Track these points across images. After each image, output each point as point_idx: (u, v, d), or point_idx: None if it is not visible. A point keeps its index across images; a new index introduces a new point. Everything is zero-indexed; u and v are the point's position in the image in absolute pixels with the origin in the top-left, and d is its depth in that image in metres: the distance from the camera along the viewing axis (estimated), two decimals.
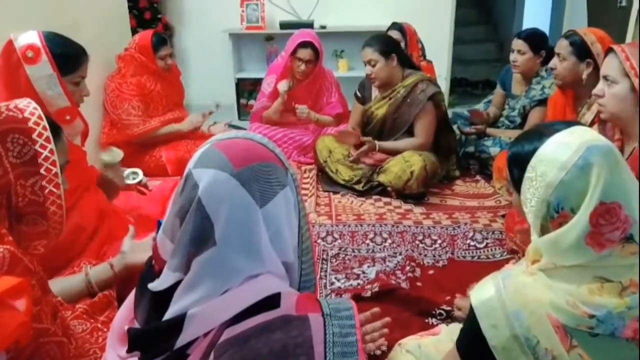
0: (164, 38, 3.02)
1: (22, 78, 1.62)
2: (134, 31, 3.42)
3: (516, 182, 1.04)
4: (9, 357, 0.89)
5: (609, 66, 1.59)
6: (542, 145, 0.96)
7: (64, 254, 1.51)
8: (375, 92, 3.01)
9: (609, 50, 1.64)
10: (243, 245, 0.83)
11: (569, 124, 1.00)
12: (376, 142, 2.82)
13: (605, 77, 1.62)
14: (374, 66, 2.80)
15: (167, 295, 0.85)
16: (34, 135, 1.03)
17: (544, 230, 0.97)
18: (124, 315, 0.94)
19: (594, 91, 1.67)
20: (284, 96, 3.33)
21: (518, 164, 1.01)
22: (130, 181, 1.90)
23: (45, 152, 1.04)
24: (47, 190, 1.04)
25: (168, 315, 0.82)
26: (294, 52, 3.25)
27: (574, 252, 0.90)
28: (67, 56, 1.71)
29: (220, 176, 0.84)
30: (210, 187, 0.83)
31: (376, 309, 1.37)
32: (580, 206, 0.89)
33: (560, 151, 0.93)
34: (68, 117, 1.71)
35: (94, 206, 1.71)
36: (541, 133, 0.99)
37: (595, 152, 0.90)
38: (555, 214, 0.93)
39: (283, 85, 3.31)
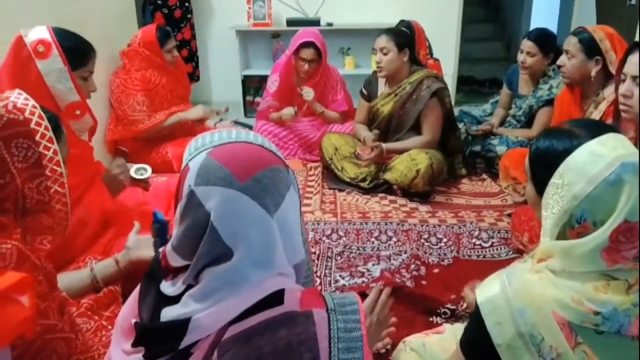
0: (168, 31, 3.02)
1: (32, 73, 1.64)
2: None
3: (537, 179, 1.02)
4: (15, 353, 0.89)
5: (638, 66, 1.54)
6: (573, 150, 0.93)
7: (66, 249, 1.51)
8: (381, 89, 3.00)
9: (633, 48, 1.60)
10: (259, 259, 0.81)
11: (599, 126, 0.98)
12: (383, 144, 2.80)
13: (635, 78, 1.57)
14: (385, 55, 2.79)
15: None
16: (37, 137, 1.02)
17: (559, 236, 0.95)
18: (129, 311, 0.94)
19: (622, 91, 1.61)
20: (288, 120, 3.35)
21: (543, 163, 0.99)
22: (138, 176, 1.90)
23: (49, 154, 1.03)
24: (52, 190, 1.04)
25: (174, 316, 0.82)
26: (296, 52, 3.24)
27: (585, 261, 0.89)
28: (77, 51, 1.72)
29: (228, 195, 0.80)
30: (221, 209, 0.80)
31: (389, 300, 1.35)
32: (603, 221, 0.88)
33: (591, 163, 0.89)
34: (78, 112, 1.73)
35: (98, 202, 1.71)
36: (571, 133, 0.96)
37: (630, 169, 0.87)
38: (577, 224, 0.91)
39: (287, 114, 3.31)
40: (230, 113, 3.43)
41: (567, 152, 0.93)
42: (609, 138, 0.92)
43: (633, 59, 1.59)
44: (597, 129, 0.96)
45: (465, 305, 1.68)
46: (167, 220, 1.44)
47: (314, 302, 0.83)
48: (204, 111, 3.08)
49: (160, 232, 1.38)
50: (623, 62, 1.64)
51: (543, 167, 0.98)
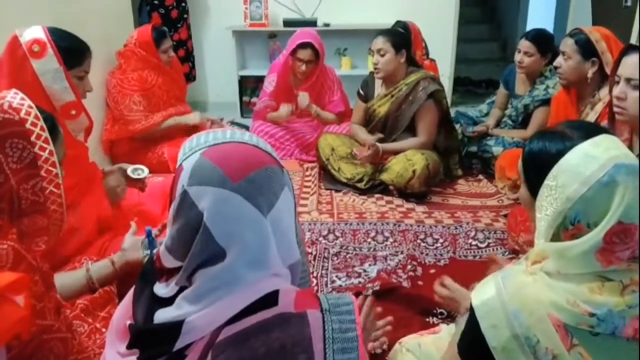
0: (163, 31, 3.02)
1: (28, 73, 1.63)
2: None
3: (530, 182, 1.02)
4: (10, 355, 0.89)
5: (633, 68, 1.55)
6: (566, 152, 0.93)
7: (53, 254, 1.49)
8: (377, 90, 3.00)
9: (627, 50, 1.61)
10: (253, 259, 0.81)
11: (592, 128, 0.98)
12: (379, 144, 2.81)
13: (628, 80, 1.58)
14: (382, 56, 2.79)
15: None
16: (33, 138, 1.01)
17: (553, 237, 0.95)
18: (123, 313, 0.93)
19: (615, 93, 1.62)
20: (285, 118, 3.34)
21: (536, 165, 0.99)
22: (135, 176, 1.89)
23: (45, 154, 1.03)
24: (47, 191, 1.04)
25: (168, 318, 0.82)
26: (294, 53, 3.24)
27: (580, 262, 0.89)
28: (72, 50, 1.72)
29: (221, 195, 0.80)
30: (214, 209, 0.79)
31: (378, 309, 1.37)
32: (597, 222, 0.88)
33: (585, 164, 0.89)
34: (73, 112, 1.72)
35: (94, 210, 1.70)
36: (564, 135, 0.96)
37: (623, 170, 0.87)
38: (570, 226, 0.91)
39: (285, 111, 3.32)
40: (225, 112, 3.44)
41: (561, 153, 0.93)
42: (602, 139, 0.93)
43: (627, 61, 1.59)
44: (590, 130, 0.96)
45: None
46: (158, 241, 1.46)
47: (308, 303, 0.83)
48: (200, 118, 3.12)
49: (152, 250, 1.41)
50: (617, 64, 1.65)
51: (536, 169, 0.98)
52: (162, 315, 0.83)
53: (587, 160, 0.90)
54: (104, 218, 1.74)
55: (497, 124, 3.20)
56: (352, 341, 0.80)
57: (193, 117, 3.10)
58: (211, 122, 3.21)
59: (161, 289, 0.86)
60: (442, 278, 1.51)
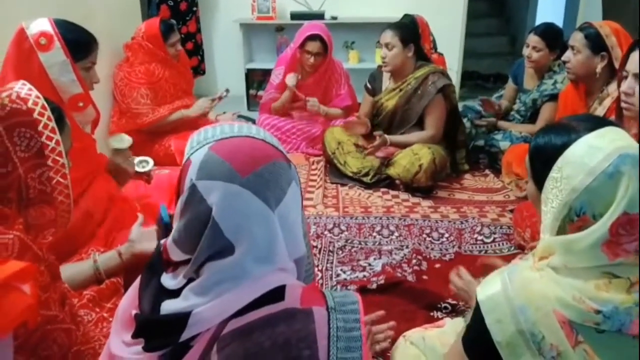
0: (171, 25, 3.01)
1: (35, 65, 1.63)
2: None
3: (536, 176, 1.02)
4: (16, 343, 0.90)
5: None
6: (571, 144, 0.92)
7: (73, 240, 1.52)
8: (385, 84, 2.99)
9: (635, 45, 1.59)
10: (261, 254, 0.82)
11: (598, 121, 0.97)
12: (387, 136, 2.81)
13: (636, 75, 1.57)
14: (390, 50, 2.78)
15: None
16: (40, 127, 1.02)
17: (559, 231, 0.95)
18: (129, 303, 0.94)
19: (623, 89, 1.61)
20: (292, 90, 3.32)
21: (542, 158, 0.98)
22: (140, 169, 1.90)
23: (52, 144, 1.04)
24: (54, 181, 1.04)
25: (174, 309, 0.82)
26: (302, 45, 3.24)
27: (586, 255, 0.89)
28: (79, 42, 1.72)
29: (231, 189, 0.80)
30: (223, 204, 0.80)
31: (381, 312, 1.37)
32: (602, 214, 0.87)
33: (590, 155, 0.89)
34: (81, 104, 1.73)
35: (104, 193, 1.72)
36: (569, 128, 0.96)
37: (628, 161, 0.86)
38: (576, 218, 0.91)
39: (291, 80, 3.30)
40: (232, 105, 3.40)
41: (566, 146, 0.93)
42: (607, 131, 0.92)
43: (635, 56, 1.58)
44: (595, 123, 0.95)
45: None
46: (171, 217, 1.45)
47: (314, 300, 0.83)
48: (204, 105, 3.08)
49: (164, 232, 1.40)
50: (625, 59, 1.64)
51: (542, 162, 0.98)
52: (169, 306, 0.83)
53: (592, 152, 0.89)
54: (115, 200, 1.74)
55: (505, 115, 3.19)
56: (356, 340, 0.80)
57: (197, 107, 3.06)
58: (218, 98, 3.11)
59: (169, 280, 0.87)
60: (458, 268, 1.50)
